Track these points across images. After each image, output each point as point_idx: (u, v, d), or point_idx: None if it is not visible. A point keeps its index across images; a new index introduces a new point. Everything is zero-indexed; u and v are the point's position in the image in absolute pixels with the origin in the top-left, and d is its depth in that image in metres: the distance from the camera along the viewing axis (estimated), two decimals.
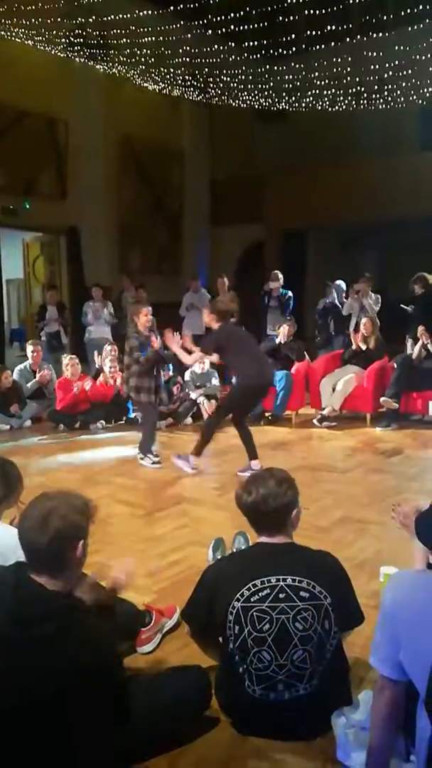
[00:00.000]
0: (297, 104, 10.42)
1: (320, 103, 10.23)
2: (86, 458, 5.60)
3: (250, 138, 13.06)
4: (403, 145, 11.70)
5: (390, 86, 9.72)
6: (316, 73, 9.49)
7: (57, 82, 9.89)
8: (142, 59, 9.05)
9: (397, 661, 1.54)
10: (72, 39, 8.88)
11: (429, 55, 9.04)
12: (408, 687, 1.57)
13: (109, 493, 4.53)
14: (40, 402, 7.12)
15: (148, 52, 8.87)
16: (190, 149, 12.69)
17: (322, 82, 9.62)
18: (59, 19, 8.36)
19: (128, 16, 8.23)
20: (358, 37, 9.03)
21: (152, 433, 5.38)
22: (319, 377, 6.77)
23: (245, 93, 10.31)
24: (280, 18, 7.96)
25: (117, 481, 4.86)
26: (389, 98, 9.97)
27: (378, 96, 10.07)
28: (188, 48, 9.11)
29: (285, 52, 9.10)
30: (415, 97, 9.73)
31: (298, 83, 9.73)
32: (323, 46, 8.84)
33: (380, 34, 8.97)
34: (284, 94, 10.22)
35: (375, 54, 9.33)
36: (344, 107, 10.31)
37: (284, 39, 8.63)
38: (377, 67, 9.37)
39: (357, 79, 9.80)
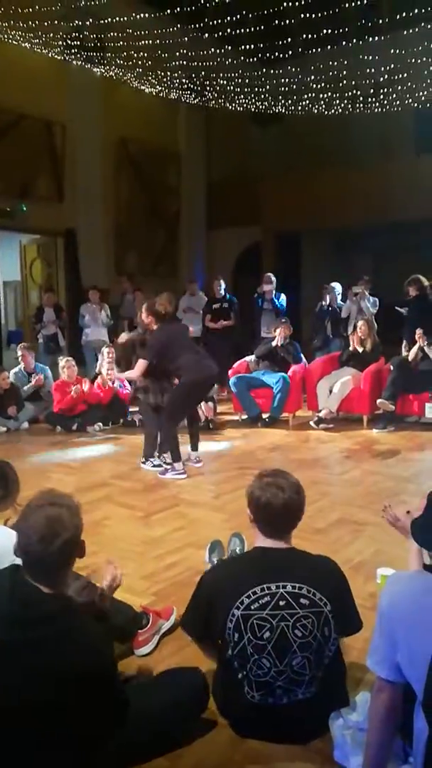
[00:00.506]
0: (293, 107, 10.45)
1: (316, 106, 10.26)
2: (83, 460, 5.60)
3: (247, 141, 13.08)
4: (398, 149, 11.74)
5: (385, 90, 9.76)
6: (312, 77, 9.52)
7: (54, 84, 9.90)
8: (139, 62, 9.06)
9: (394, 663, 1.54)
10: (69, 42, 8.89)
11: (424, 59, 9.08)
12: (405, 688, 1.57)
13: (106, 496, 4.53)
14: (37, 404, 7.12)
15: (145, 55, 8.88)
16: (186, 152, 12.70)
17: (318, 86, 9.65)
18: (56, 22, 8.37)
19: (125, 18, 8.25)
20: (354, 40, 9.06)
21: (155, 437, 5.28)
22: (315, 379, 6.78)
23: (242, 96, 10.34)
24: (277, 21, 7.97)
25: (114, 483, 4.86)
26: (385, 101, 10.01)
27: (373, 99, 10.10)
28: (185, 51, 9.13)
29: (281, 55, 9.12)
30: (410, 100, 9.77)
31: (294, 86, 9.75)
32: (319, 50, 8.87)
33: (376, 38, 9.00)
34: (280, 97, 10.25)
35: (370, 57, 9.36)
36: (340, 110, 10.35)
37: (280, 42, 8.65)
38: (373, 70, 9.40)
39: (353, 83, 9.82)
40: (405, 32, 8.84)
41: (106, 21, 8.34)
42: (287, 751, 1.95)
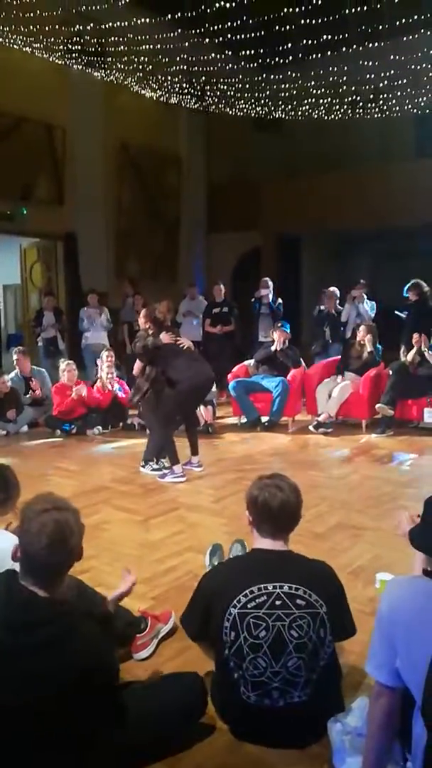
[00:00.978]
0: (293, 113, 10.49)
1: (316, 111, 10.30)
2: (82, 464, 5.60)
3: (247, 145, 13.12)
4: (397, 154, 11.78)
5: (385, 95, 9.80)
6: (313, 82, 9.56)
7: (55, 88, 9.93)
8: (140, 67, 9.09)
9: (393, 668, 1.54)
10: (70, 46, 8.93)
11: (424, 65, 9.12)
12: (404, 693, 1.57)
13: (106, 499, 4.53)
14: (36, 407, 7.12)
15: (146, 59, 8.92)
16: (187, 156, 12.74)
17: (318, 91, 9.68)
18: (57, 27, 8.40)
19: (126, 23, 8.27)
20: (354, 46, 9.09)
21: (158, 443, 5.18)
22: (315, 384, 6.78)
23: (242, 101, 10.38)
24: (277, 27, 8.00)
25: (113, 486, 4.86)
26: (384, 107, 10.05)
27: (373, 105, 10.15)
28: (185, 56, 9.16)
29: (281, 61, 9.16)
30: (410, 106, 9.81)
31: (295, 92, 9.79)
32: (319, 56, 8.89)
33: (376, 44, 9.03)
34: (280, 102, 10.29)
35: (371, 63, 9.40)
36: (340, 116, 10.38)
37: (281, 48, 8.68)
38: (373, 76, 9.44)
39: (353, 88, 9.88)
40: (405, 38, 8.88)
41: (106, 26, 8.37)
42: (285, 756, 1.95)
